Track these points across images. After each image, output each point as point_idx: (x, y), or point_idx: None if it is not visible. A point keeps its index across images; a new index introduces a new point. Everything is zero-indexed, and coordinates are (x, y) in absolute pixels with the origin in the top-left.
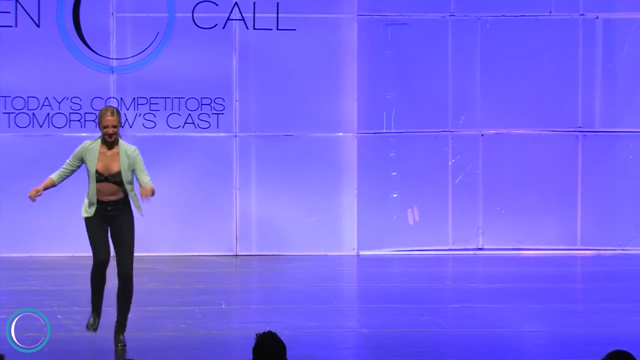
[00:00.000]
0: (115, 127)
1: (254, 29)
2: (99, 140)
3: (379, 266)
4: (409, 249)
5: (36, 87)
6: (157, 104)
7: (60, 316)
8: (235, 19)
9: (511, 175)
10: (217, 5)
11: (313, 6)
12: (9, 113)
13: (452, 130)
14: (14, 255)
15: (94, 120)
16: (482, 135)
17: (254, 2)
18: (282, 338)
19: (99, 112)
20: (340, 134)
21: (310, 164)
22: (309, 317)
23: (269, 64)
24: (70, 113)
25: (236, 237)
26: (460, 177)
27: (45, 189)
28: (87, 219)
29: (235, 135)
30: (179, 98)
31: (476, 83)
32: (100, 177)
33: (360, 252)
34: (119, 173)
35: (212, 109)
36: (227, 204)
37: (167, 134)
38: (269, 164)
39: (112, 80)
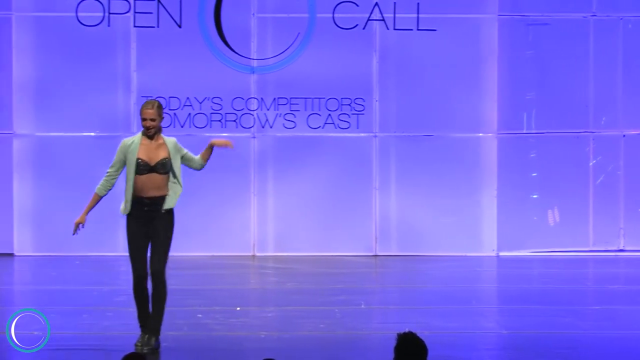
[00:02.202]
0: (153, 120)
1: (395, 29)
2: (140, 135)
3: (519, 267)
4: (549, 250)
5: (177, 87)
6: (297, 104)
7: (200, 315)
8: (376, 20)
9: None
10: (357, 5)
11: (454, 6)
12: None
13: (593, 130)
14: None
15: (234, 121)
16: (624, 135)
17: (395, 3)
18: (422, 338)
19: (142, 104)
20: (481, 134)
21: (450, 164)
22: (448, 318)
23: (409, 64)
24: (211, 113)
25: (375, 238)
26: (601, 178)
27: (92, 208)
28: (127, 221)
29: (375, 136)
30: (319, 98)
31: (618, 83)
32: (145, 168)
33: (500, 253)
34: (167, 159)
35: (352, 109)
36: (367, 204)
37: (307, 134)
38: (408, 164)
39: (253, 81)
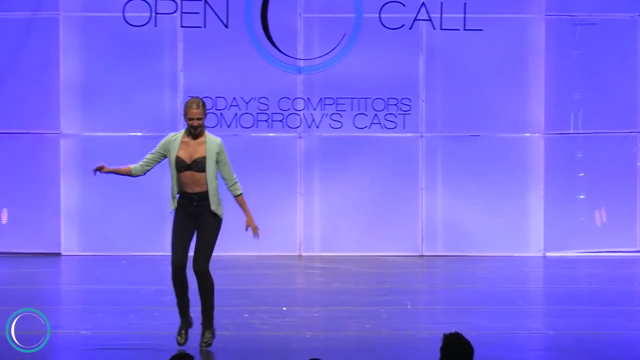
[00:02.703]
0: (200, 119)
1: (441, 29)
2: (183, 132)
3: (566, 267)
4: (596, 250)
5: (224, 87)
6: (343, 104)
7: (246, 315)
8: (423, 19)
9: None
10: (404, 5)
11: (501, 6)
12: None
13: None
14: None
15: (281, 121)
16: None
17: (441, 3)
18: (468, 338)
19: (184, 103)
20: (527, 134)
21: (496, 164)
22: (494, 318)
23: (456, 64)
24: (257, 113)
25: (422, 238)
26: None
27: (116, 172)
28: (175, 213)
29: (422, 136)
30: (366, 98)
31: None
32: (183, 165)
33: (547, 254)
34: (203, 158)
35: (399, 109)
36: (413, 204)
37: (354, 134)
38: (455, 164)
39: (299, 81)
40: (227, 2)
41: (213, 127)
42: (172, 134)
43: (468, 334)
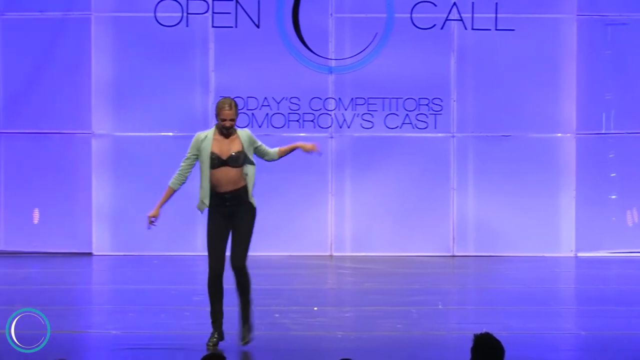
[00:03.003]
0: (232, 120)
1: (473, 29)
2: (213, 130)
3: (597, 268)
4: (628, 250)
5: (255, 87)
6: (374, 104)
7: (277, 315)
8: (454, 19)
9: None
10: (435, 5)
11: (532, 6)
12: None
13: None
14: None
15: (312, 121)
16: None
17: (473, 3)
18: (499, 339)
19: (217, 103)
20: (559, 134)
21: (528, 164)
22: (526, 319)
23: (487, 64)
24: (288, 113)
25: (453, 238)
26: None
27: (165, 202)
28: (209, 216)
29: (453, 136)
30: (397, 98)
31: None
32: (219, 161)
33: (578, 254)
34: (241, 152)
35: (430, 109)
36: (444, 205)
37: (385, 134)
38: (486, 164)
39: (331, 81)
40: (259, 2)
41: (244, 128)
42: (200, 133)
43: (499, 334)
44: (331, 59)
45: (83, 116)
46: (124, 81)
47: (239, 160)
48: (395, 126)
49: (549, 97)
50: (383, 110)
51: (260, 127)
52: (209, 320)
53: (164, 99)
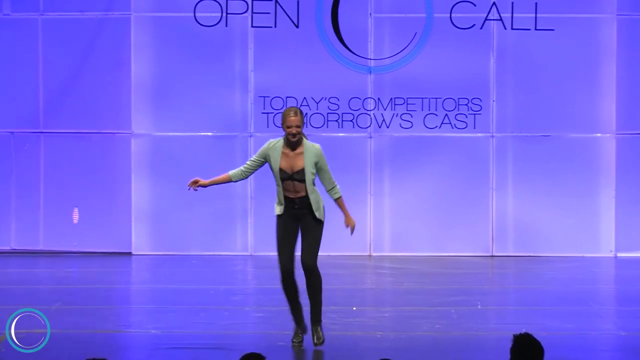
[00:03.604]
0: (298, 127)
1: (512, 29)
2: (282, 141)
3: (637, 268)
4: None
5: (294, 87)
6: (414, 104)
7: None
8: (493, 19)
9: None
10: (475, 5)
11: (572, 6)
12: (267, 113)
13: None
14: (272, 254)
15: (351, 121)
16: None
17: (512, 2)
18: (538, 339)
19: (282, 112)
20: (599, 134)
21: (567, 164)
22: (565, 319)
23: (526, 64)
24: (327, 113)
25: (492, 238)
26: None
27: (216, 183)
28: (278, 218)
29: (492, 136)
30: (436, 98)
31: None
32: (285, 175)
33: (618, 254)
34: (302, 170)
35: (469, 109)
36: (484, 205)
37: (424, 134)
38: (525, 164)
39: (370, 81)
40: (298, 2)
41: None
42: (271, 140)
43: (538, 335)
44: (370, 59)
45: (123, 116)
46: (164, 81)
47: (301, 176)
48: (435, 126)
49: (589, 97)
50: (422, 110)
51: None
52: (249, 320)
53: (203, 99)
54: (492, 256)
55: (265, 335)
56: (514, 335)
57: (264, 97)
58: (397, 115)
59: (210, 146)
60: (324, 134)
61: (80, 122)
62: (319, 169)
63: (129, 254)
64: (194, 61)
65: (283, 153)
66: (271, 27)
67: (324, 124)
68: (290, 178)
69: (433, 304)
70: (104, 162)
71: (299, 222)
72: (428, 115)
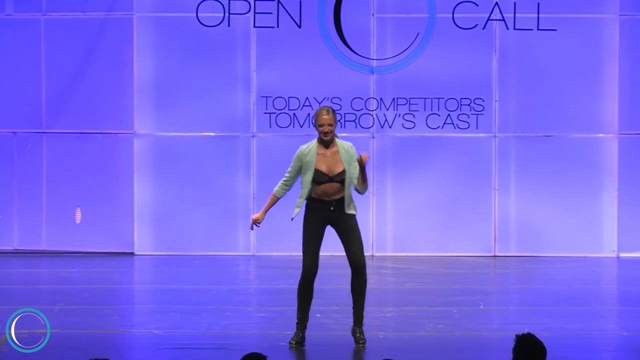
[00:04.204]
0: (330, 125)
1: (515, 29)
2: (315, 142)
3: (639, 268)
4: None
5: (297, 87)
6: (416, 104)
7: (319, 315)
8: (496, 19)
9: None
10: (477, 5)
11: (574, 6)
12: (269, 113)
13: None
14: (274, 254)
15: (354, 121)
16: None
17: (515, 3)
18: (540, 339)
19: (315, 112)
20: (601, 134)
21: (570, 164)
22: (567, 319)
23: (529, 64)
24: None
25: (494, 238)
26: None
27: (269, 209)
28: (306, 218)
29: (495, 136)
30: (438, 98)
31: None
32: (324, 178)
33: (620, 254)
34: (343, 172)
35: (472, 109)
36: (486, 205)
37: (426, 135)
38: (528, 164)
39: (372, 81)
40: (300, 2)
41: (286, 127)
42: (302, 146)
43: (541, 335)
44: (373, 59)
45: (125, 116)
46: (166, 81)
47: (342, 177)
48: (437, 126)
49: (591, 97)
50: (425, 110)
51: (301, 127)
52: (251, 321)
53: (205, 99)
54: (495, 256)
55: (267, 336)
56: (517, 336)
57: (267, 97)
58: (399, 116)
59: (212, 146)
60: None
61: (82, 122)
62: (351, 165)
63: (132, 254)
64: (196, 61)
65: (319, 154)
66: (273, 27)
67: None
68: (331, 180)
69: (435, 304)
70: (106, 162)
71: (329, 223)
72: (430, 116)
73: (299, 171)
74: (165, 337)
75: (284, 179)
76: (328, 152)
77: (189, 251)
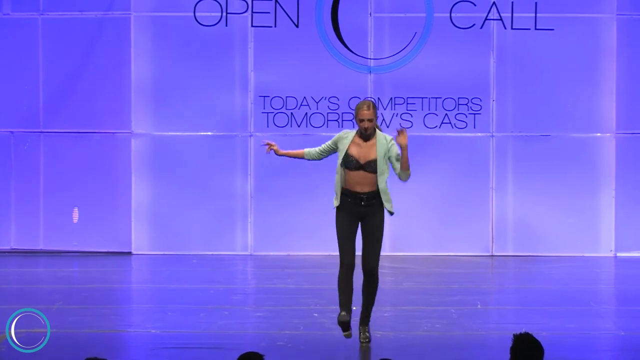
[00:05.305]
0: (370, 120)
1: (512, 28)
2: (355, 132)
3: (637, 268)
4: None
5: (294, 86)
6: (414, 103)
7: (316, 314)
8: (493, 19)
9: None
10: (475, 5)
11: (572, 5)
12: (267, 113)
13: None
14: (271, 254)
15: (351, 120)
16: None
17: (512, 2)
18: (538, 339)
19: (355, 105)
20: (599, 134)
21: (567, 164)
22: (565, 319)
23: (526, 63)
24: (327, 113)
25: (492, 238)
26: None
27: (289, 155)
28: (338, 212)
29: (492, 135)
30: (436, 98)
31: None
32: (356, 164)
33: (618, 254)
34: (375, 161)
35: (469, 109)
36: (483, 204)
37: (424, 134)
38: (525, 164)
39: (370, 80)
40: (298, 1)
41: (283, 127)
42: (344, 130)
43: (538, 334)
44: (370, 59)
45: (123, 116)
46: (164, 81)
47: (374, 166)
48: (434, 126)
49: (589, 97)
50: (422, 109)
51: (299, 126)
52: (248, 320)
53: (203, 99)
54: (492, 256)
55: (265, 335)
56: (514, 335)
57: (264, 96)
58: (397, 115)
59: (210, 146)
60: (324, 134)
61: (80, 122)
62: (390, 159)
63: (129, 253)
64: (194, 61)
65: (354, 142)
66: (271, 26)
67: (324, 124)
68: (362, 168)
69: (433, 304)
70: (104, 161)
71: (361, 219)
72: (428, 115)
73: (331, 150)
74: (163, 337)
75: (320, 147)
76: (365, 144)
77: (187, 251)
